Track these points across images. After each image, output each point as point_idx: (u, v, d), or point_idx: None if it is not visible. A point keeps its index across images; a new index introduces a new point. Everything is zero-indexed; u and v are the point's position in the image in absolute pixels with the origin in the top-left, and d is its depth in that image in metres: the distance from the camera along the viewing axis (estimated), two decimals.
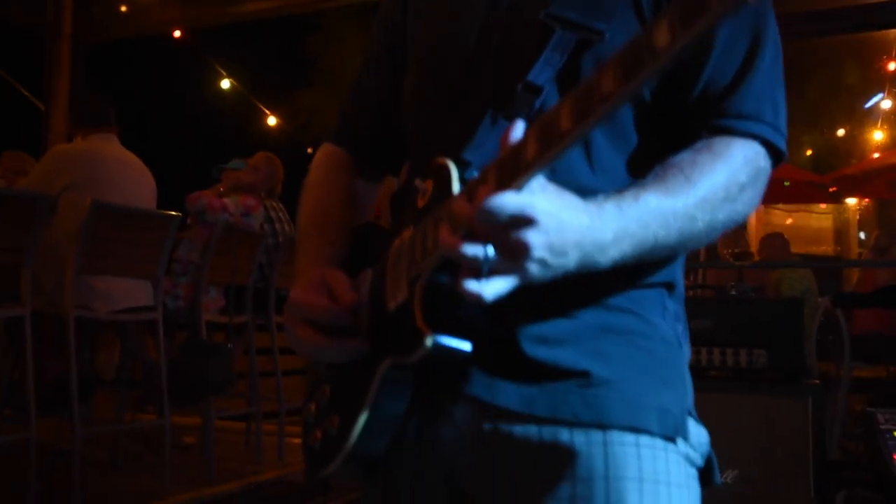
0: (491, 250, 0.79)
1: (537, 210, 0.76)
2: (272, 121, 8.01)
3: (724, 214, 0.92)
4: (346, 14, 7.22)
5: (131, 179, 3.77)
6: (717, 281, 5.79)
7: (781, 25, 1.01)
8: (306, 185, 1.23)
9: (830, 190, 7.82)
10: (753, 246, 7.38)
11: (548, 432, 0.95)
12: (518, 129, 0.77)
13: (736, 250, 6.04)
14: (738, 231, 6.61)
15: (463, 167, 0.91)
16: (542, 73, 0.96)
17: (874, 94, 7.41)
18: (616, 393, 0.96)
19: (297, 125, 8.77)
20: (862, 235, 11.12)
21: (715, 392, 2.77)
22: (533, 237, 0.77)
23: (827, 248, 12.06)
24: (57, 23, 5.83)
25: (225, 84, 7.40)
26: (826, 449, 2.77)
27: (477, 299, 0.80)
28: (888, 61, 6.28)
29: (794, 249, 7.98)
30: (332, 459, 1.06)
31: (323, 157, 1.24)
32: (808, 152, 9.91)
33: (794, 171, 7.67)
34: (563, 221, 0.79)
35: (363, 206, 1.23)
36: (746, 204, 0.94)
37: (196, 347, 3.83)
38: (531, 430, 0.96)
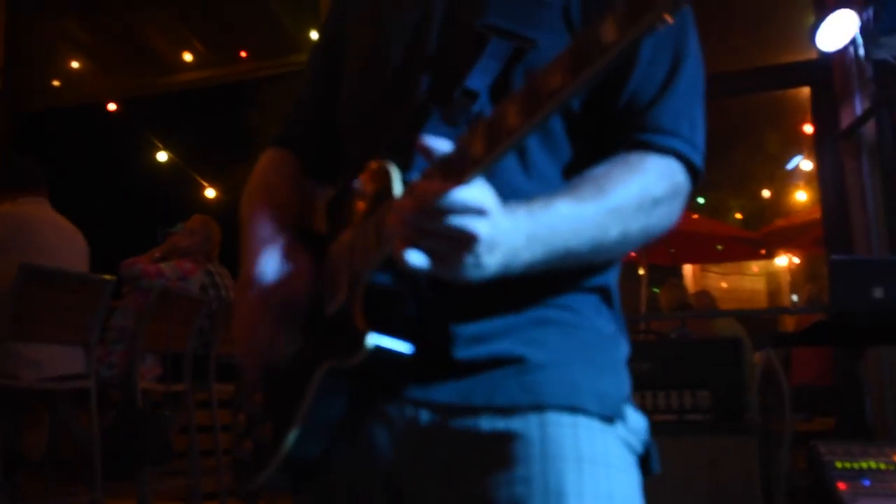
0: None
1: (488, 204, 0.78)
2: (210, 192, 7.95)
3: (638, 226, 0.93)
4: (284, 88, 7.30)
5: (63, 243, 3.67)
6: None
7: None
8: (249, 182, 1.21)
9: (761, 251, 8.09)
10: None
11: (485, 421, 0.94)
12: (441, 142, 0.79)
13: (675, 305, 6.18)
14: (679, 289, 6.74)
15: (403, 170, 0.92)
16: (478, 80, 0.99)
17: (794, 156, 7.76)
18: (552, 376, 0.96)
19: (236, 197, 8.68)
20: (794, 297, 11.45)
21: (660, 435, 2.77)
22: (482, 228, 0.78)
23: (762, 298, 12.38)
24: None
25: (162, 156, 7.35)
26: (772, 487, 2.79)
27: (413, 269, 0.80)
28: (803, 123, 6.60)
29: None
30: (265, 467, 1.03)
31: (266, 158, 1.24)
32: (738, 216, 10.26)
33: (725, 231, 7.94)
34: (499, 220, 0.80)
35: (309, 198, 1.21)
36: (662, 218, 0.96)
37: (131, 415, 3.68)
38: (468, 421, 0.95)
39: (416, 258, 0.79)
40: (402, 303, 0.95)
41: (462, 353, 0.96)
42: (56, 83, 6.32)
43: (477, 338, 0.97)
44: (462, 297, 0.93)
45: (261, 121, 8.33)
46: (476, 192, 0.77)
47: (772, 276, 12.28)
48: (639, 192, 0.93)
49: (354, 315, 0.93)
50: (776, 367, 4.21)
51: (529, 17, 1.01)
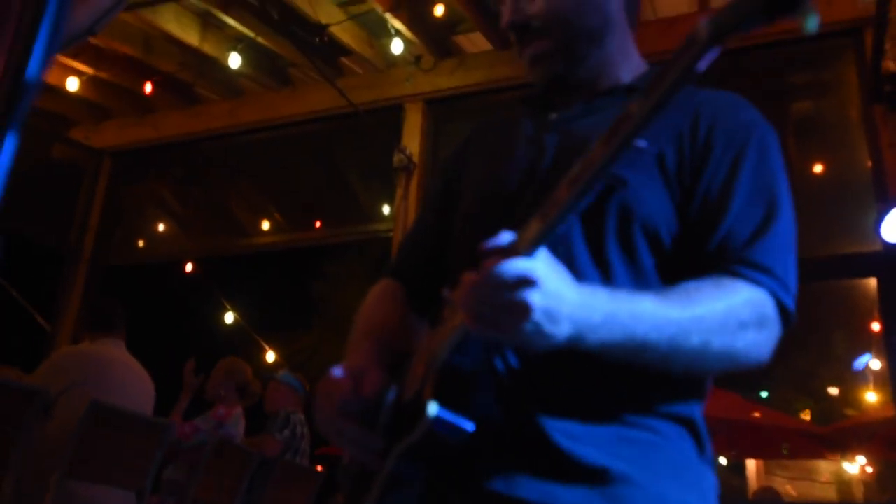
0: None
1: (539, 273, 0.83)
2: (271, 356, 8.08)
3: (720, 344, 0.95)
4: (350, 259, 7.56)
5: (133, 384, 3.76)
6: None
7: None
8: (362, 307, 1.30)
9: (830, 452, 7.71)
10: None
11: None
12: (505, 235, 0.86)
13: None
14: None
15: None
16: None
17: (862, 355, 7.57)
18: (638, 490, 0.95)
19: (295, 364, 8.82)
20: None
21: None
22: (534, 297, 0.82)
23: None
24: (79, 247, 6.12)
25: (229, 317, 7.59)
26: None
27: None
28: (871, 321, 6.49)
29: None
30: None
31: (378, 287, 1.34)
32: (805, 416, 9.89)
33: (791, 424, 7.62)
34: (561, 291, 0.85)
35: (413, 330, 1.27)
36: (749, 344, 0.98)
37: None
38: None
39: (478, 326, 0.84)
40: (475, 386, 0.97)
41: (555, 440, 0.97)
42: (141, 243, 6.70)
43: (565, 433, 0.97)
44: (545, 390, 0.95)
45: (326, 290, 8.60)
46: (526, 262, 0.83)
47: (843, 485, 11.56)
48: (725, 309, 0.96)
49: (424, 393, 0.95)
50: None
51: (627, 161, 1.10)
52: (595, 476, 0.96)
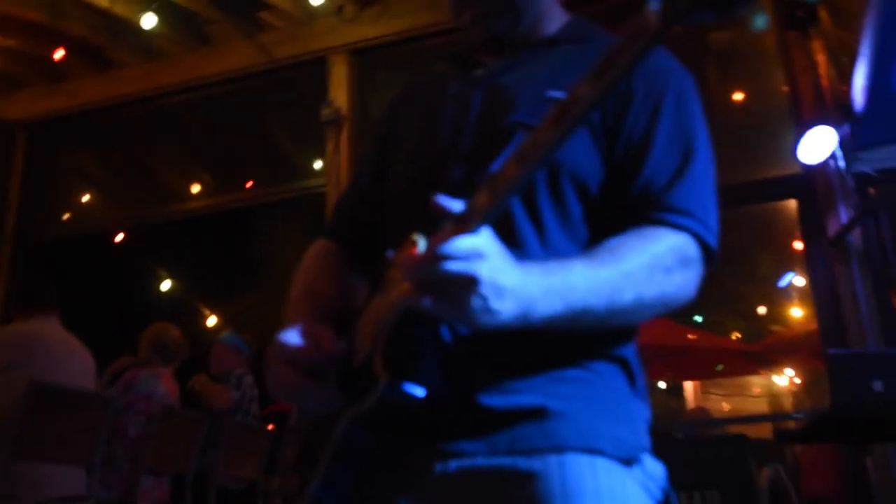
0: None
1: (486, 248, 0.86)
2: (212, 320, 8.01)
3: (652, 292, 1.01)
4: (286, 216, 7.52)
5: (71, 360, 3.71)
6: None
7: None
8: (299, 270, 1.31)
9: (762, 367, 8.09)
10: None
11: (507, 463, 1.00)
12: (455, 203, 0.89)
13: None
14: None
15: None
16: None
17: (786, 274, 7.90)
18: (570, 422, 1.02)
19: (238, 325, 8.77)
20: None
21: None
22: (481, 269, 0.85)
23: (765, 432, 12.19)
24: (0, 226, 5.92)
25: (165, 284, 7.47)
26: None
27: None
28: (794, 240, 6.77)
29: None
30: None
31: (315, 247, 1.36)
32: (736, 335, 10.30)
33: (723, 344, 7.97)
34: (505, 267, 0.88)
35: (351, 290, 1.30)
36: (678, 287, 1.04)
37: None
38: (492, 463, 1.00)
39: (425, 299, 0.87)
40: (422, 353, 1.01)
41: (486, 403, 1.02)
42: (67, 216, 6.51)
43: (499, 391, 1.03)
44: (486, 355, 1.00)
45: (262, 250, 8.52)
46: (474, 238, 0.86)
47: (774, 398, 12.16)
48: (650, 259, 1.01)
49: (374, 362, 0.99)
50: (785, 480, 4.15)
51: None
52: (533, 414, 1.02)
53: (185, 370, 4.85)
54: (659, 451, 1.12)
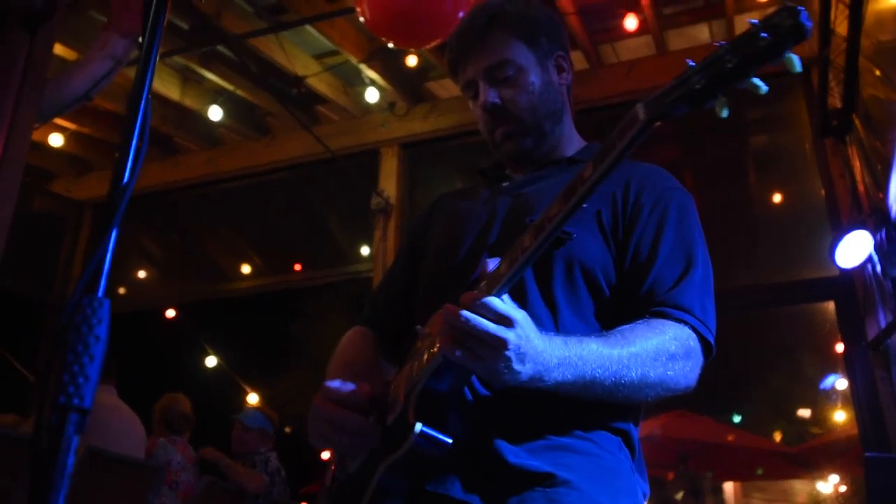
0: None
1: (518, 317, 1.02)
2: (252, 398, 8.15)
3: (655, 374, 1.14)
4: (329, 300, 7.69)
5: (127, 430, 3.86)
6: None
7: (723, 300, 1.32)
8: (336, 349, 1.47)
9: (803, 471, 7.88)
10: None
11: None
12: (493, 262, 1.05)
13: None
14: None
15: None
16: None
17: (828, 376, 7.80)
18: (574, 493, 1.14)
19: (276, 404, 8.89)
20: None
21: None
22: (510, 335, 1.00)
23: None
24: (63, 298, 6.21)
25: (210, 361, 7.66)
26: None
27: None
28: (836, 343, 6.73)
29: None
30: None
31: (351, 331, 1.52)
32: (778, 437, 10.09)
33: (764, 446, 7.82)
34: (530, 336, 1.03)
35: (382, 369, 1.45)
36: (678, 374, 1.17)
37: None
38: None
39: (457, 352, 1.01)
40: (449, 409, 1.15)
41: (501, 458, 1.15)
42: (122, 290, 6.79)
43: (514, 451, 1.16)
44: (502, 415, 1.14)
45: (307, 331, 8.70)
46: (507, 305, 1.01)
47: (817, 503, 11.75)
48: (656, 346, 1.15)
49: (408, 413, 1.13)
50: None
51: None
52: (542, 480, 1.14)
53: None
54: None
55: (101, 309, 0.75)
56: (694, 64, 0.92)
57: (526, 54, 1.41)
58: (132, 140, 0.77)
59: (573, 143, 1.49)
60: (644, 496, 1.23)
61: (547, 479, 1.14)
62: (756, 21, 0.90)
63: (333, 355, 1.47)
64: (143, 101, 0.78)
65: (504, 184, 1.46)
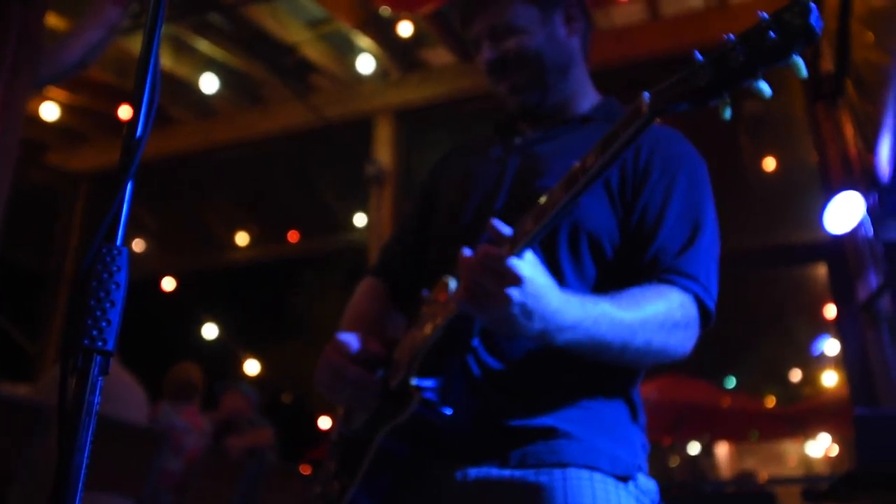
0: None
1: (525, 273, 1.04)
2: (251, 367, 8.22)
3: (659, 342, 1.17)
4: (326, 272, 7.73)
5: (129, 396, 3.91)
6: None
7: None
8: (349, 303, 1.51)
9: (797, 432, 8.01)
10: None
11: (518, 475, 1.18)
12: (505, 227, 1.08)
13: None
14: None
15: None
16: None
17: (819, 340, 7.90)
18: (574, 442, 1.19)
19: (276, 373, 8.97)
20: None
21: None
22: (514, 293, 1.03)
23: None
24: (60, 269, 6.24)
25: (208, 332, 7.73)
26: None
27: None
28: (827, 305, 6.79)
29: None
30: None
31: (364, 283, 1.56)
32: (771, 399, 10.23)
33: (756, 409, 7.94)
34: (541, 294, 1.05)
35: (393, 323, 1.49)
36: (679, 342, 1.20)
37: None
38: (504, 475, 1.18)
39: (469, 299, 1.05)
40: (451, 378, 1.20)
41: (503, 423, 1.20)
42: None
43: (517, 414, 1.21)
44: (508, 384, 1.19)
45: (303, 300, 8.74)
46: (518, 261, 1.03)
47: (810, 467, 11.95)
48: (664, 313, 1.18)
49: (410, 381, 1.18)
50: None
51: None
52: (544, 433, 1.19)
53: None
54: None
55: (119, 257, 0.78)
56: (702, 58, 0.93)
57: (528, 8, 1.41)
58: (144, 93, 0.79)
59: (587, 97, 1.48)
60: (643, 448, 1.27)
61: (550, 433, 1.18)
62: (766, 15, 0.88)
63: (348, 305, 1.51)
64: (152, 55, 0.80)
65: (517, 140, 1.46)
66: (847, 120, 4.54)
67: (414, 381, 1.17)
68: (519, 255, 1.04)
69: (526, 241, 1.04)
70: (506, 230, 1.07)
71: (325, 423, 7.47)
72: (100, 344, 0.76)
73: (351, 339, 1.28)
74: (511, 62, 1.41)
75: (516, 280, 1.02)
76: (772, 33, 0.86)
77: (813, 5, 0.85)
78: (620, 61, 5.00)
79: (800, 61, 0.88)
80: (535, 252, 1.09)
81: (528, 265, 1.04)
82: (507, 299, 1.02)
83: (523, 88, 1.42)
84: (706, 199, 1.33)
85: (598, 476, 1.17)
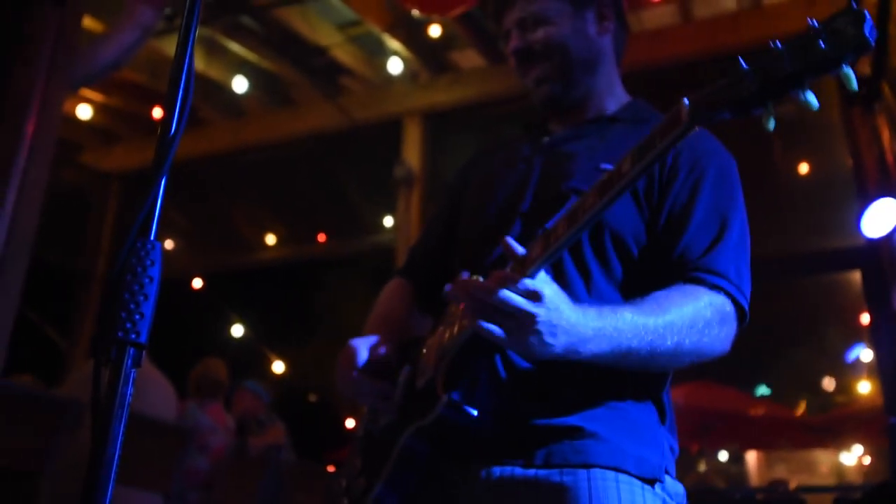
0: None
1: (547, 292, 1.03)
2: (277, 367, 8.28)
3: (690, 342, 1.14)
4: (353, 273, 7.76)
5: (158, 392, 3.95)
6: None
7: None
8: (375, 303, 1.51)
9: (827, 442, 7.86)
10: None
11: (542, 475, 1.16)
12: (519, 246, 1.07)
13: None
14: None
15: None
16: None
17: (853, 348, 7.77)
18: (600, 443, 1.17)
19: (301, 373, 9.03)
20: None
21: None
22: (539, 310, 1.02)
23: None
24: (91, 267, 6.32)
25: (236, 331, 7.79)
26: None
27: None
28: (861, 313, 6.69)
29: None
30: None
31: (391, 284, 1.56)
32: (802, 407, 10.09)
33: (786, 417, 7.82)
34: (561, 310, 1.04)
35: (418, 323, 1.48)
36: (713, 340, 1.17)
37: None
38: (529, 474, 1.16)
39: (489, 327, 1.03)
40: (478, 380, 1.19)
41: (529, 423, 1.18)
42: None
43: (543, 415, 1.19)
44: (533, 387, 1.17)
45: (330, 301, 8.78)
46: (535, 282, 1.02)
47: (842, 477, 11.76)
48: (692, 314, 1.15)
49: (436, 383, 1.17)
50: None
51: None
52: (570, 433, 1.17)
53: None
54: None
55: (153, 251, 0.79)
56: (746, 65, 0.89)
57: (560, 3, 1.41)
58: (178, 93, 0.80)
59: (615, 97, 1.46)
60: (672, 451, 1.25)
61: (576, 432, 1.16)
62: (815, 22, 0.83)
63: (375, 304, 1.51)
64: (187, 56, 0.80)
65: (545, 138, 1.45)
66: (884, 124, 4.46)
67: (440, 384, 1.16)
68: (532, 275, 1.03)
69: (557, 245, 1.03)
70: (520, 249, 1.06)
71: (351, 423, 7.50)
72: (133, 336, 0.76)
73: (361, 346, 1.30)
74: (537, 52, 1.40)
75: (538, 297, 1.01)
76: (822, 42, 0.82)
77: (867, 14, 0.80)
78: (652, 63, 4.97)
79: (850, 72, 0.83)
80: (564, 254, 1.07)
81: (544, 282, 1.04)
82: (532, 317, 1.01)
83: (547, 79, 1.41)
84: (735, 196, 1.30)
85: (623, 478, 1.15)
